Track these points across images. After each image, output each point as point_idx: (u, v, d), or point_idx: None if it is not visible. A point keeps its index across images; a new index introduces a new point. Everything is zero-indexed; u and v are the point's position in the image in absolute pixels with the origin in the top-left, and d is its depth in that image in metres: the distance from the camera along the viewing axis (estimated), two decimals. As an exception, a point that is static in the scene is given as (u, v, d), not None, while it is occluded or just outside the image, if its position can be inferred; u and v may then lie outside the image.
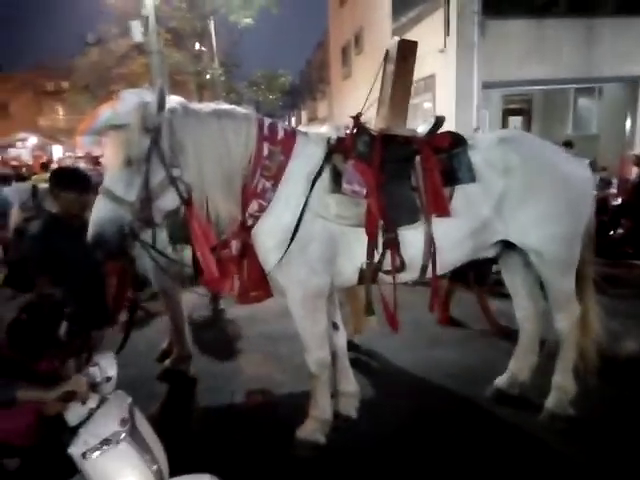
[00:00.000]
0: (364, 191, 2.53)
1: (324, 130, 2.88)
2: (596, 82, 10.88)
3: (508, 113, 12.52)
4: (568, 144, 6.43)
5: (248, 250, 2.64)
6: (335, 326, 3.01)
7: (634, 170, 6.88)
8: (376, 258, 2.59)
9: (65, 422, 1.75)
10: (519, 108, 12.72)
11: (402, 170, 2.63)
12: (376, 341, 4.06)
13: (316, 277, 2.61)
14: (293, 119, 33.52)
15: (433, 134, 2.74)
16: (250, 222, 2.54)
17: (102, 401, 1.82)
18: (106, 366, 1.94)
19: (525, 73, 9.78)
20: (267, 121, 2.64)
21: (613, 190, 7.49)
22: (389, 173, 2.60)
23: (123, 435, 1.68)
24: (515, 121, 12.39)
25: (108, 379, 1.92)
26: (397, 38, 2.98)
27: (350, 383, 3.13)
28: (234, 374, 3.86)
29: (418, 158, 2.64)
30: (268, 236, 2.55)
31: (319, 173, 2.57)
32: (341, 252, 2.62)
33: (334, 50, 20.53)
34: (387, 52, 3.15)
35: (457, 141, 2.67)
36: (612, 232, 6.57)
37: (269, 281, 2.68)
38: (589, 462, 2.61)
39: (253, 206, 2.52)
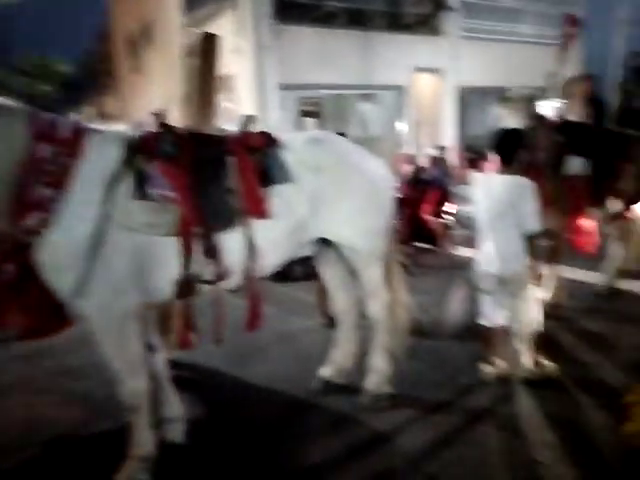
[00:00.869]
0: (174, 195, 2.30)
1: (120, 128, 2.52)
2: (372, 89, 12.32)
3: (303, 114, 13.29)
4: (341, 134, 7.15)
5: (30, 273, 2.16)
6: (152, 348, 2.69)
7: (406, 167, 7.98)
8: (194, 268, 2.39)
9: None
10: (312, 110, 13.61)
11: (215, 171, 2.47)
12: (198, 354, 3.82)
13: (124, 297, 2.28)
14: (76, 115, 29.74)
15: (245, 133, 2.65)
16: (29, 239, 2.08)
17: None
18: None
19: (315, 77, 10.50)
20: (45, 116, 2.19)
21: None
22: (201, 175, 2.41)
23: None
24: (310, 122, 13.22)
25: None
26: (199, 31, 2.80)
27: (174, 407, 2.85)
28: (27, 422, 3.17)
29: (231, 158, 2.51)
30: (57, 254, 2.14)
31: (118, 177, 2.24)
32: (152, 265, 2.34)
33: (119, 41, 18.87)
34: (189, 46, 2.94)
35: (270, 141, 2.64)
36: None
37: (64, 307, 2.24)
38: (406, 438, 2.84)
39: (31, 220, 2.07)
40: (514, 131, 3.24)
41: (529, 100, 3.54)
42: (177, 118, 2.91)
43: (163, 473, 2.56)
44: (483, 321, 3.37)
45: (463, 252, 6.68)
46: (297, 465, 2.67)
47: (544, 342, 3.38)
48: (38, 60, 19.47)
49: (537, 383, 3.27)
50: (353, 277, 3.14)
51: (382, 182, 2.97)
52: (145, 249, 2.28)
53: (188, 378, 3.54)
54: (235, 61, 10.05)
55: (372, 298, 3.07)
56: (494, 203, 3.09)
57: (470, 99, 14.41)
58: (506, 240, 3.10)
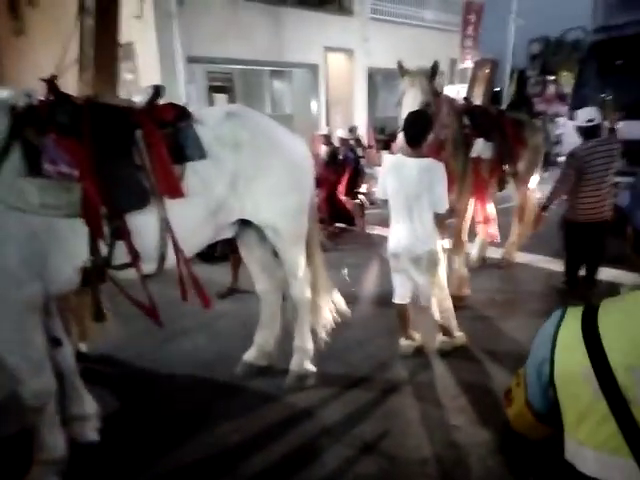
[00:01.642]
0: (76, 172, 2.04)
1: (4, 94, 2.18)
2: (285, 66, 12.10)
3: (213, 90, 12.74)
4: None
5: None
6: (57, 342, 2.43)
7: (322, 147, 7.97)
8: (102, 252, 2.16)
9: None
10: (223, 86, 13.10)
11: (121, 146, 2.23)
12: (109, 345, 3.55)
13: (20, 288, 2.01)
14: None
15: (153, 105, 2.42)
16: None
17: None
18: None
19: (225, 51, 10.03)
20: None
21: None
22: (105, 150, 2.17)
23: None
24: (220, 98, 12.72)
25: None
26: (94, -13, 2.49)
27: (85, 404, 2.63)
28: None
29: (139, 132, 2.28)
30: None
31: (5, 151, 1.95)
32: (53, 251, 2.08)
33: (-2, 0, 16.64)
34: (82, 4, 2.61)
35: (182, 114, 2.44)
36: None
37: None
38: (329, 414, 2.87)
39: None
40: (421, 114, 3.24)
41: (430, 75, 3.53)
42: (71, 85, 2.59)
43: (76, 475, 2.35)
44: (397, 298, 3.48)
45: (378, 231, 6.89)
46: (216, 450, 2.58)
47: (454, 314, 3.57)
48: None
49: (450, 353, 3.47)
50: (275, 258, 3.07)
51: (303, 160, 2.89)
52: (43, 233, 2.01)
53: (100, 371, 3.28)
54: (136, 28, 9.29)
55: (294, 278, 3.03)
56: (410, 185, 3.11)
57: (379, 80, 14.76)
58: (420, 221, 3.17)
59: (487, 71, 5.41)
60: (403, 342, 3.52)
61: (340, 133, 7.86)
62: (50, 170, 1.96)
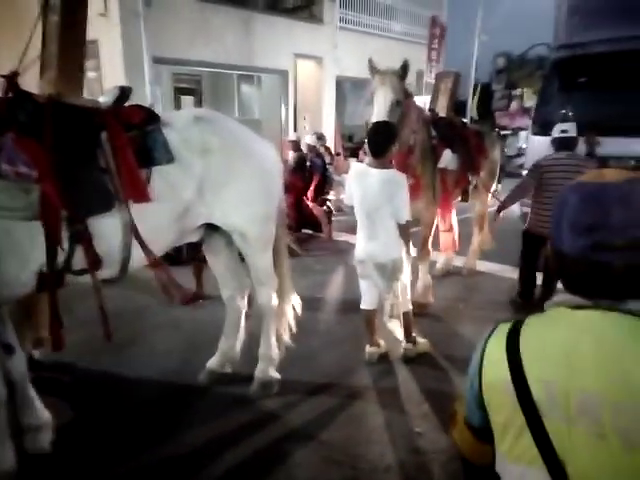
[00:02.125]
0: (34, 173, 1.97)
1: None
2: (254, 71, 12.07)
3: (179, 92, 12.57)
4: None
5: None
6: (8, 349, 2.32)
7: (290, 154, 7.98)
8: (61, 257, 2.09)
9: None
10: (190, 88, 12.93)
11: (85, 148, 2.17)
12: (64, 351, 3.42)
13: None
14: None
15: (119, 107, 2.36)
16: None
17: None
18: None
19: (193, 53, 9.92)
20: None
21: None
22: (67, 151, 2.10)
23: None
24: (187, 100, 12.55)
25: None
26: (59, -17, 2.41)
27: (38, 413, 2.51)
28: None
29: (104, 134, 2.23)
30: None
31: None
32: (7, 255, 1.99)
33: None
34: (46, 1, 2.52)
35: (149, 117, 2.39)
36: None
37: None
38: (294, 420, 2.87)
39: None
40: (386, 124, 3.25)
41: (401, 74, 3.55)
42: (32, 84, 2.50)
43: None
44: (363, 304, 3.52)
45: (345, 238, 6.94)
46: (179, 457, 2.53)
47: (417, 321, 3.63)
48: None
49: (413, 359, 3.52)
50: (241, 263, 3.04)
51: (271, 166, 2.89)
52: (-3, 236, 1.93)
53: (54, 379, 3.15)
54: (101, 26, 9.07)
55: (261, 285, 3.00)
56: (371, 196, 3.14)
57: (348, 89, 14.93)
58: (384, 230, 3.21)
59: (450, 84, 5.53)
60: (369, 349, 3.55)
61: (308, 140, 7.88)
62: (8, 170, 1.89)
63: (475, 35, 15.55)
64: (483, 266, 5.70)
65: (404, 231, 3.27)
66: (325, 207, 7.33)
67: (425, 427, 2.79)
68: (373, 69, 3.63)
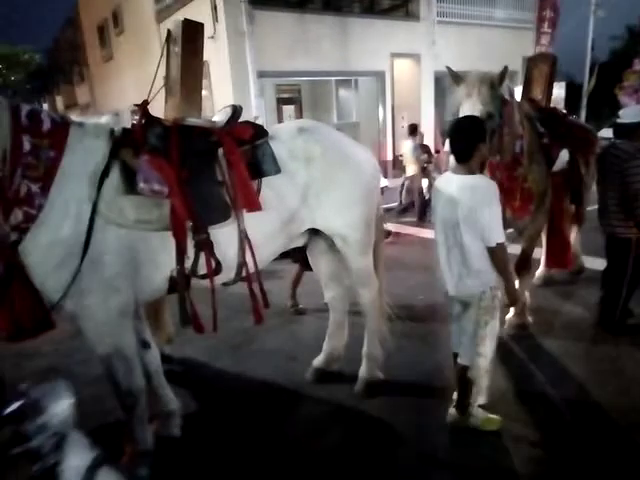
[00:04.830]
0: (165, 190, 2.24)
1: (103, 120, 2.44)
2: (351, 75, 12.26)
3: (281, 102, 13.16)
4: None
5: (16, 272, 2.09)
6: (145, 344, 2.65)
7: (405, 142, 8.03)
8: (188, 263, 2.35)
9: None
10: (291, 97, 13.49)
11: (205, 164, 2.42)
12: (188, 348, 3.80)
13: (116, 296, 2.23)
14: (45, 105, 28.71)
15: (232, 125, 2.59)
16: (14, 237, 2.02)
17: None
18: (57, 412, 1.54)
19: (293, 64, 10.37)
20: (25, 108, 2.10)
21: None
22: (191, 168, 2.35)
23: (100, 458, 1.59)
24: (288, 110, 13.10)
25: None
26: (180, 18, 2.72)
27: (169, 401, 2.83)
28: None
29: (221, 150, 2.46)
30: (44, 253, 2.07)
31: (106, 171, 2.17)
32: (145, 262, 2.29)
33: (89, 29, 18.29)
34: (170, 33, 2.85)
35: (258, 132, 2.59)
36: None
37: (50, 308, 2.18)
38: (400, 422, 2.89)
39: (17, 216, 2.01)
40: (470, 120, 2.63)
41: (491, 81, 2.96)
42: (158, 109, 2.83)
43: (162, 467, 2.55)
44: (459, 358, 2.73)
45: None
46: (295, 453, 2.69)
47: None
48: (7, 49, 18.63)
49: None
50: (344, 266, 3.14)
51: (371, 173, 2.96)
52: (137, 245, 2.22)
53: (180, 372, 3.52)
54: (210, 48, 9.85)
55: (363, 287, 3.08)
56: (448, 209, 2.49)
57: (447, 84, 14.48)
58: (462, 255, 2.50)
59: (546, 68, 4.63)
60: (452, 411, 2.81)
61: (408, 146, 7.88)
62: (144, 188, 2.16)
63: (590, 12, 14.22)
64: (589, 262, 5.00)
65: (497, 258, 2.48)
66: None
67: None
68: (456, 77, 3.08)
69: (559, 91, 5.16)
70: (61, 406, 1.57)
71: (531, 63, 4.64)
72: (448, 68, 3.14)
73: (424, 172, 8.34)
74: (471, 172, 2.48)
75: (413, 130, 8.14)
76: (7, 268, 2.09)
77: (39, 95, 26.87)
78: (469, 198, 2.40)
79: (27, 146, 2.01)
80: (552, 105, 4.63)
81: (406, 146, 8.48)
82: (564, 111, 5.06)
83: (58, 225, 2.08)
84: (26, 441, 1.48)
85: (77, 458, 1.54)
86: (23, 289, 2.12)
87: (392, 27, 11.76)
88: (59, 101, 26.82)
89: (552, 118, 3.99)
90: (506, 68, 3.06)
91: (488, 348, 2.61)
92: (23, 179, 2.00)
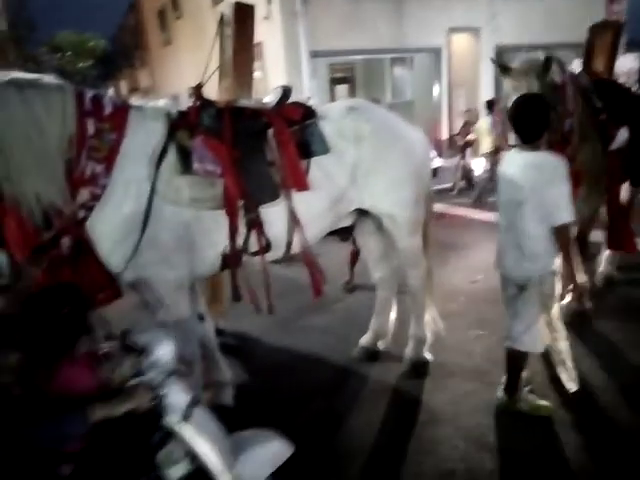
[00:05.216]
0: (219, 170, 2.33)
1: (161, 103, 2.56)
2: (407, 52, 11.92)
3: (334, 82, 13.04)
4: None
5: (84, 247, 2.26)
6: (201, 317, 2.80)
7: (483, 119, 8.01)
8: (240, 241, 2.45)
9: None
10: (344, 77, 13.33)
11: (256, 145, 2.49)
12: (241, 323, 3.96)
13: (173, 270, 2.37)
14: (111, 90, 30.03)
15: (282, 106, 2.63)
16: (82, 214, 2.17)
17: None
18: (163, 354, 1.77)
19: (347, 43, 10.22)
20: (89, 93, 2.24)
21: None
22: (242, 149, 2.43)
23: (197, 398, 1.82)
24: (341, 89, 12.97)
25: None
26: (232, 1, 2.78)
27: (223, 372, 2.98)
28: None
29: (271, 131, 2.52)
30: (108, 230, 2.22)
31: (163, 152, 2.29)
32: (199, 239, 2.41)
33: (149, 13, 18.84)
34: (222, 16, 2.92)
35: (308, 112, 2.62)
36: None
37: (115, 279, 2.35)
38: (441, 403, 2.90)
39: (83, 195, 2.16)
40: (535, 99, 2.52)
41: (543, 67, 2.84)
42: (212, 91, 2.92)
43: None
44: (508, 340, 2.67)
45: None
46: (342, 430, 2.76)
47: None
48: (73, 37, 19.67)
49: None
50: (392, 246, 3.14)
51: (420, 151, 2.92)
52: (192, 224, 2.34)
53: (234, 345, 3.68)
54: (264, 29, 9.90)
55: (411, 267, 3.08)
56: (512, 187, 2.44)
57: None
58: (525, 235, 2.43)
59: (609, 37, 4.18)
60: (501, 392, 2.77)
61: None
62: (199, 168, 2.27)
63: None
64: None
65: (563, 237, 2.39)
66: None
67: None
68: (502, 68, 3.07)
69: (632, 63, 4.69)
70: (165, 348, 1.79)
71: (593, 31, 4.24)
72: (493, 60, 3.15)
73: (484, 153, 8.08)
74: (537, 149, 2.42)
75: (490, 105, 7.85)
76: (76, 243, 2.27)
77: (105, 80, 28.21)
78: (535, 177, 2.34)
79: (91, 129, 2.15)
80: (624, 78, 4.31)
81: (483, 123, 8.25)
82: (633, 85, 4.63)
83: (120, 203, 2.22)
84: (141, 375, 1.73)
85: (178, 396, 1.74)
86: (91, 262, 2.30)
87: (450, 1, 11.28)
88: (123, 86, 28.02)
89: (613, 92, 3.69)
90: (550, 57, 2.96)
91: (561, 331, 2.62)
92: (88, 160, 2.15)
